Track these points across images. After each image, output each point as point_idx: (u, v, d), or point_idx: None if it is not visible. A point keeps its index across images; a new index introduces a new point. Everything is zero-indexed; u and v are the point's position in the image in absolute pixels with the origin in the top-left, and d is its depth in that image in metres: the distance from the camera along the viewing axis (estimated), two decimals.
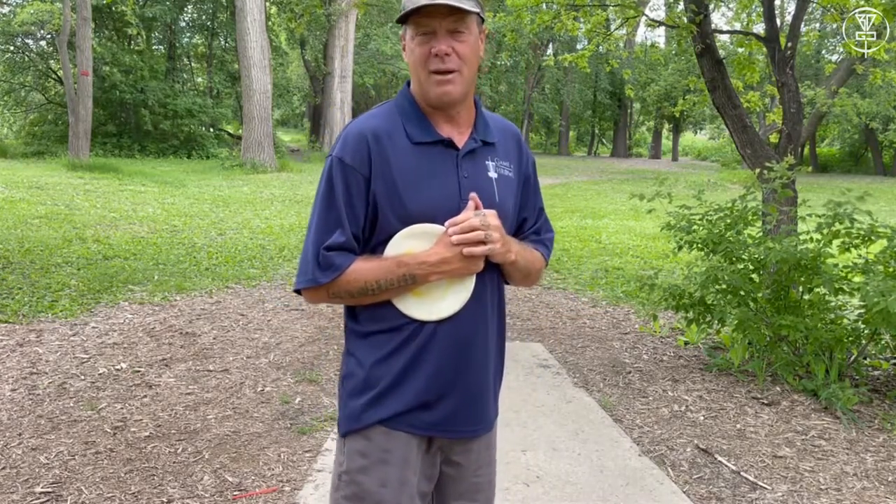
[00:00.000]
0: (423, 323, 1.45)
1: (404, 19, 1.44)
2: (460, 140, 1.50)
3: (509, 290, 6.52)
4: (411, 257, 1.42)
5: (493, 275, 1.53)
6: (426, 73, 1.44)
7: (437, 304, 1.45)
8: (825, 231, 4.09)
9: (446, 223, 1.42)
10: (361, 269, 1.43)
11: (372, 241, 1.47)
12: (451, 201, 1.45)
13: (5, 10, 22.35)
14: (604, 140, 48.79)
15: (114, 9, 20.20)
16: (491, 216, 1.42)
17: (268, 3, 20.53)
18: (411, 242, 1.43)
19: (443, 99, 1.45)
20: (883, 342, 4.39)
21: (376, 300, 1.46)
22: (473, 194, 1.44)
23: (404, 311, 1.45)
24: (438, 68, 1.42)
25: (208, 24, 27.43)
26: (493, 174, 1.52)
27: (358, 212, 1.45)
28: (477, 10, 1.44)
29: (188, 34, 28.57)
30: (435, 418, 1.49)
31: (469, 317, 1.48)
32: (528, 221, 1.64)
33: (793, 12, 5.95)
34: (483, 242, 1.40)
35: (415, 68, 1.46)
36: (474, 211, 1.41)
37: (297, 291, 1.49)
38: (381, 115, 1.50)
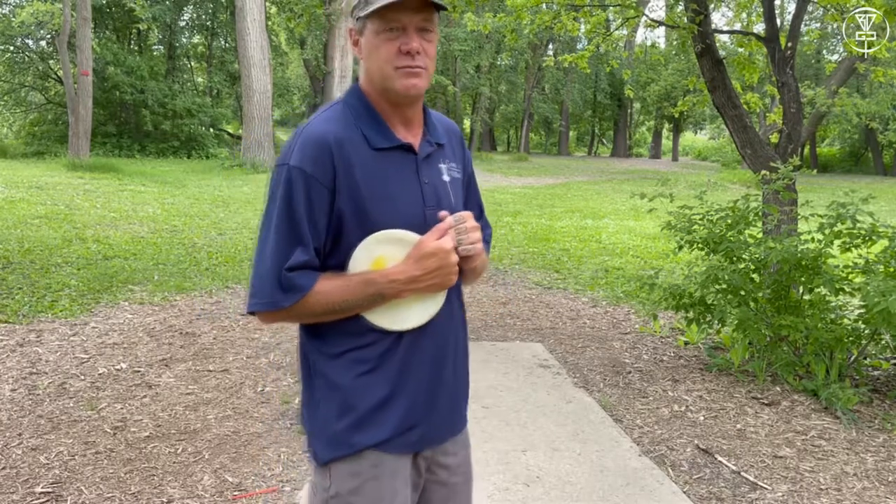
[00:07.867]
0: (394, 334, 1.39)
1: (369, 14, 1.34)
2: (415, 143, 1.43)
3: (509, 292, 6.54)
4: (380, 275, 1.34)
5: (458, 283, 1.48)
6: (392, 69, 1.34)
7: (403, 314, 1.38)
8: (827, 231, 4.09)
9: (425, 236, 1.36)
10: (326, 288, 1.34)
11: (334, 254, 1.38)
12: (415, 209, 1.38)
13: (5, 10, 22.35)
14: (604, 140, 48.81)
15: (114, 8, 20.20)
16: (468, 216, 1.41)
17: (268, 3, 20.53)
18: (384, 248, 1.34)
19: (409, 92, 1.35)
20: (883, 342, 4.39)
21: (341, 317, 1.38)
22: (443, 213, 1.40)
23: (369, 319, 1.38)
24: (409, 65, 1.34)
25: (208, 23, 27.43)
26: (446, 177, 1.47)
27: (320, 227, 1.34)
28: (445, 6, 1.39)
29: (188, 34, 28.57)
30: (421, 434, 1.46)
31: (444, 329, 1.46)
32: None
33: (793, 12, 5.94)
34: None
35: (377, 66, 1.36)
36: (452, 217, 1.38)
37: (252, 313, 1.39)
38: (336, 118, 1.38)
